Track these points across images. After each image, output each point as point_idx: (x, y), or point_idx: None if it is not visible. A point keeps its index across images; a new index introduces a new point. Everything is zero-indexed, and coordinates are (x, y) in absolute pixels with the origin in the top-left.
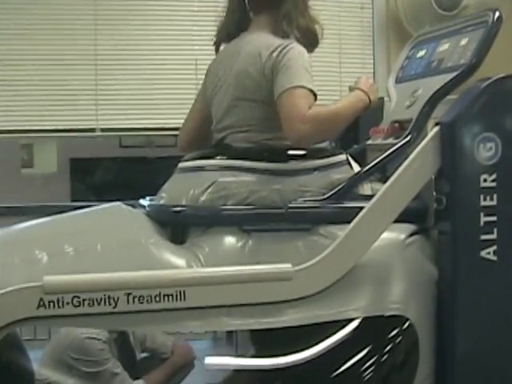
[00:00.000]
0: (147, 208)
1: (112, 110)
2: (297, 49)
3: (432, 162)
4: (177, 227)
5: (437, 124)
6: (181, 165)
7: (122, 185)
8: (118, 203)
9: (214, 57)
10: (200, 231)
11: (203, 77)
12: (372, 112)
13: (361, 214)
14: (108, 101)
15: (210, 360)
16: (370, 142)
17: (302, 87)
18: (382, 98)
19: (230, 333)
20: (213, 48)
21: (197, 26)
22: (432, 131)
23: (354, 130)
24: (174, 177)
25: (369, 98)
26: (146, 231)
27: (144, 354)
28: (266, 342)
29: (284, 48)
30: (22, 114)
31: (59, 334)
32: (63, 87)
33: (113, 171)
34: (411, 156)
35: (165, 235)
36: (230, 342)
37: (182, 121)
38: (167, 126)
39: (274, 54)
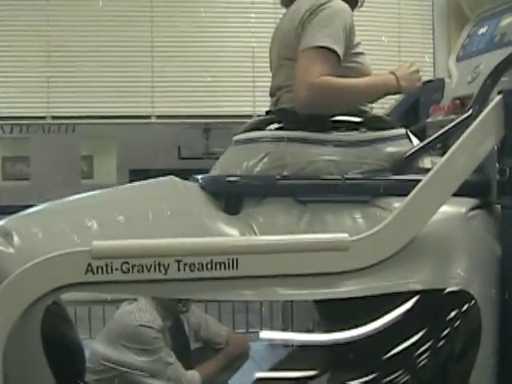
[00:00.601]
0: (200, 180)
1: (168, 98)
2: (334, 7)
3: (495, 131)
4: (231, 198)
5: (499, 92)
6: (235, 138)
7: None
8: (171, 176)
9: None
10: (255, 202)
11: (260, 65)
12: (432, 93)
13: (420, 184)
14: (164, 88)
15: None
16: (430, 119)
17: (322, 47)
18: (443, 79)
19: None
20: (270, 36)
21: (254, 14)
22: (495, 99)
23: (413, 111)
24: (228, 150)
25: (398, 83)
26: (198, 201)
27: (198, 345)
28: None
29: (319, 6)
30: (80, 101)
31: (111, 322)
32: (122, 77)
33: None
34: (472, 126)
35: (218, 206)
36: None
37: (239, 108)
38: (224, 113)
39: (309, 12)
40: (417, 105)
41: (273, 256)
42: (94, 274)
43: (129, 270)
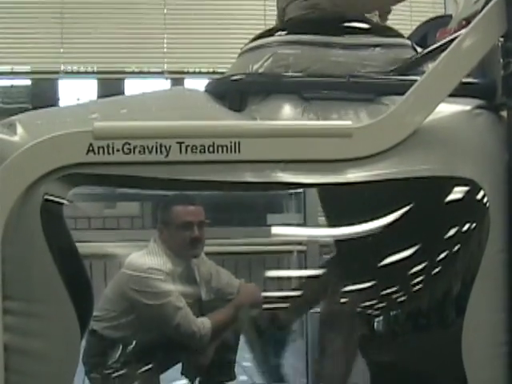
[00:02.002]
0: (205, 86)
1: (180, 54)
2: None
3: (497, 25)
4: (235, 96)
5: None
6: (242, 50)
7: None
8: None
9: None
10: (259, 99)
11: (272, 22)
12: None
13: (424, 75)
14: (177, 44)
15: None
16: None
17: None
18: (451, 15)
19: None
20: None
21: None
22: None
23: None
24: (235, 61)
25: None
26: (203, 99)
27: (210, 297)
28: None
29: None
30: (93, 57)
31: (121, 268)
32: (134, 32)
33: None
34: (474, 21)
35: (223, 105)
36: None
37: None
38: None
39: None
40: (424, 41)
41: (275, 140)
42: (95, 154)
43: (130, 151)
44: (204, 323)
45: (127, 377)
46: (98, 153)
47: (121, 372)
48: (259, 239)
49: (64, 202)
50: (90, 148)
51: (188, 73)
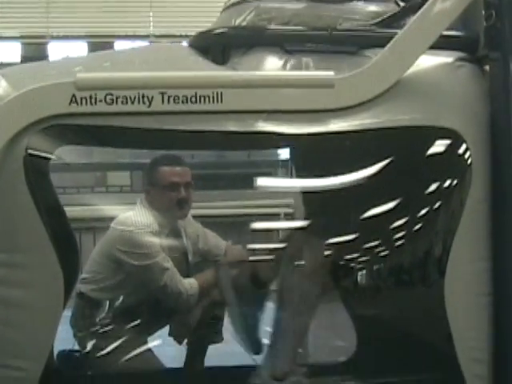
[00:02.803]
0: (189, 41)
1: (166, 18)
2: None
3: None
4: (218, 50)
5: None
6: (226, 4)
7: None
8: None
9: None
10: (241, 52)
11: None
12: None
13: (404, 28)
14: (163, 8)
15: None
16: None
17: None
18: None
19: None
20: None
21: None
22: None
23: None
24: (219, 15)
25: None
26: (186, 53)
27: (197, 259)
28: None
29: None
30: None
31: (108, 230)
32: None
33: None
34: None
35: (206, 59)
36: None
37: None
38: None
39: None
40: None
41: (257, 91)
42: (78, 104)
43: (113, 101)
44: (191, 284)
45: (115, 338)
46: (81, 103)
47: (109, 334)
48: (247, 201)
49: (48, 156)
50: (73, 99)
51: (174, 36)
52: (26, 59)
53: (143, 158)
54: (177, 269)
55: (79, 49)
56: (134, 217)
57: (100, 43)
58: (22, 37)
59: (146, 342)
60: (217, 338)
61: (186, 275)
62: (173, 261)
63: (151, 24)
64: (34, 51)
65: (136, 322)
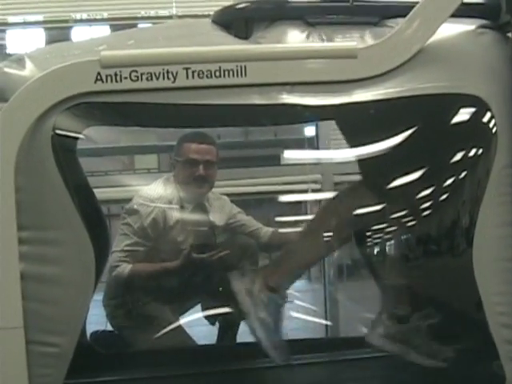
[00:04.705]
0: (212, 17)
1: None
2: None
3: None
4: (240, 24)
5: None
6: None
7: None
8: None
9: None
10: (264, 26)
11: None
12: None
13: None
14: None
15: None
16: None
17: None
18: None
19: None
20: None
21: None
22: None
23: None
24: None
25: None
26: (209, 28)
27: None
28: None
29: None
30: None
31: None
32: None
33: None
34: None
35: (229, 34)
36: None
37: None
38: None
39: None
40: None
41: (281, 63)
42: (103, 82)
43: (138, 78)
44: None
45: (147, 317)
46: (106, 81)
47: (140, 312)
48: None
49: (76, 136)
50: (98, 77)
51: (197, 16)
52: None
53: (170, 140)
54: (202, 243)
55: (102, 33)
56: (156, 189)
57: (123, 26)
58: (45, 21)
59: (178, 320)
60: None
61: (211, 249)
62: (196, 234)
63: (174, 4)
64: (58, 36)
65: (168, 300)
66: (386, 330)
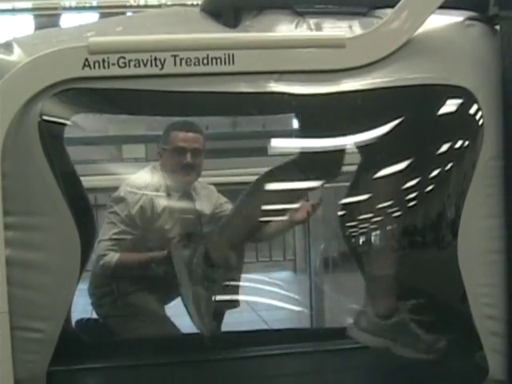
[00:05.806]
0: (200, 6)
1: None
2: None
3: None
4: (229, 13)
5: None
6: None
7: None
8: None
9: None
10: (252, 15)
11: None
12: None
13: None
14: None
15: None
16: None
17: None
18: None
19: None
20: None
21: None
22: None
23: None
24: None
25: None
26: (197, 16)
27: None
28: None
29: None
30: None
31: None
32: None
33: None
34: None
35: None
36: None
37: None
38: None
39: None
40: None
41: (269, 52)
42: (91, 68)
43: (125, 64)
44: None
45: (131, 305)
46: (94, 67)
47: (126, 301)
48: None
49: (64, 122)
50: (86, 63)
51: (185, 5)
52: None
53: (158, 130)
54: (189, 231)
55: (92, 20)
56: (143, 178)
57: (112, 14)
58: (34, 8)
59: (164, 309)
60: (233, 304)
61: (198, 237)
62: (183, 223)
63: None
64: (47, 23)
65: (152, 289)
66: (371, 322)
